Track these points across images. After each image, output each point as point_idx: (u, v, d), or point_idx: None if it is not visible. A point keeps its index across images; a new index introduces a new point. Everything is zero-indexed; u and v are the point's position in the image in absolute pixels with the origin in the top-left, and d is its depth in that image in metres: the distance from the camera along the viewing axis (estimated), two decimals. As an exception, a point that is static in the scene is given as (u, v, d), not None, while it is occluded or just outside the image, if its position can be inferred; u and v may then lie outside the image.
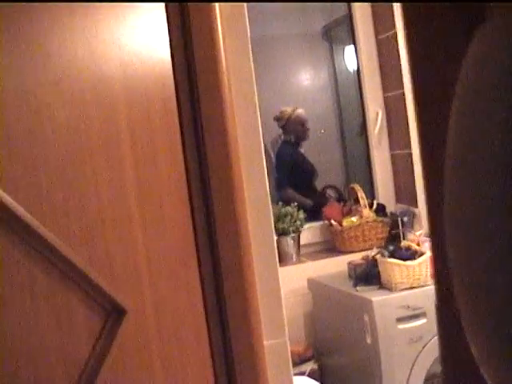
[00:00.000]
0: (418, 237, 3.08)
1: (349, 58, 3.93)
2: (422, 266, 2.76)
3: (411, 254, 2.78)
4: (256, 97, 1.51)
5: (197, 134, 1.32)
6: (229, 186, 1.32)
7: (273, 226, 1.49)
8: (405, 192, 3.69)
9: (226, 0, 1.39)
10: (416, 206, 3.56)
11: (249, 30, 1.49)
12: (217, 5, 1.34)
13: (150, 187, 1.27)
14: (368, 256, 3.15)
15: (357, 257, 3.25)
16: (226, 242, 1.31)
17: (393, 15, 3.47)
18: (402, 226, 3.50)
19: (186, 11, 1.31)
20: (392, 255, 2.79)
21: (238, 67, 1.45)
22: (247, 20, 1.50)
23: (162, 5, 1.30)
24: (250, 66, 1.48)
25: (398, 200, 3.74)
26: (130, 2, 1.28)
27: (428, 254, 2.78)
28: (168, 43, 1.31)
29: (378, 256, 2.85)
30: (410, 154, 3.56)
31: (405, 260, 2.76)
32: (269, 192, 1.50)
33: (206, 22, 1.32)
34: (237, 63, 1.44)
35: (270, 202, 1.50)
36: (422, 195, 3.55)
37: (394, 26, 3.49)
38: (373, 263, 2.96)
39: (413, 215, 3.56)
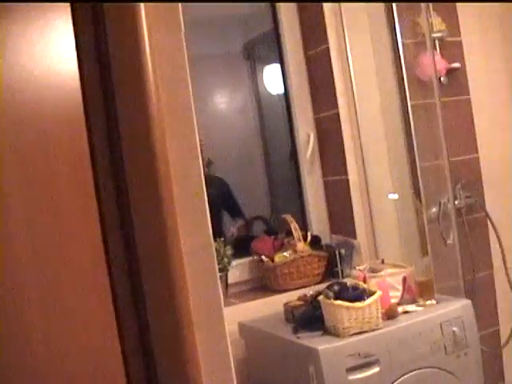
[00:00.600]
0: (363, 272, 2.75)
1: (274, 76, 3.59)
2: (373, 307, 2.42)
3: (360, 294, 2.43)
4: (194, 116, 1.16)
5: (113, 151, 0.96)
6: (159, 220, 1.01)
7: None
8: (341, 222, 3.37)
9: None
10: (354, 237, 3.25)
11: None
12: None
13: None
14: (306, 295, 2.79)
15: (292, 296, 2.88)
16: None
17: (324, 28, 3.17)
18: (341, 260, 3.18)
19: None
20: (338, 296, 2.44)
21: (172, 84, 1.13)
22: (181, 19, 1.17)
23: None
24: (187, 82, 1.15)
25: (334, 231, 3.41)
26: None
27: (378, 292, 2.45)
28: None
29: (322, 297, 2.49)
30: (346, 180, 3.25)
31: (353, 301, 2.41)
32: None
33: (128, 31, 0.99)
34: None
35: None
36: (362, 224, 3.27)
37: (325, 40, 3.19)
38: (313, 304, 2.60)
39: (351, 247, 3.24)
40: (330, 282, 2.57)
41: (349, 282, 2.52)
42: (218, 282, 1.25)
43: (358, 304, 2.40)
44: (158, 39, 1.10)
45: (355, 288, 2.46)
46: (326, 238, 3.36)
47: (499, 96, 3.48)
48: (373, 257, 3.19)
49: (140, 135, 1.02)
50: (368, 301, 2.41)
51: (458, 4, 3.38)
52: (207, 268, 1.22)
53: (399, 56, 2.99)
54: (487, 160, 3.41)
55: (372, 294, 2.45)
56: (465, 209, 3.25)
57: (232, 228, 3.51)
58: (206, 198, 1.21)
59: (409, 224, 3.22)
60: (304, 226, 3.38)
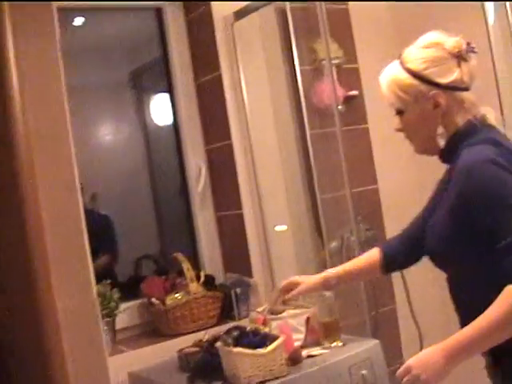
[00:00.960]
0: (263, 314, 2.54)
1: (162, 106, 3.36)
2: (276, 354, 2.21)
3: (261, 340, 2.22)
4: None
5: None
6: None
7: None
8: (236, 259, 3.17)
9: None
10: (250, 276, 3.05)
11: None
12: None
13: None
14: (201, 341, 2.56)
15: (187, 341, 2.64)
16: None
17: (216, 55, 2.99)
18: (237, 301, 2.97)
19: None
20: (237, 342, 2.22)
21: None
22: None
23: None
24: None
25: (228, 269, 3.20)
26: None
27: (281, 337, 2.25)
28: None
29: (220, 344, 2.26)
30: (241, 215, 3.05)
31: (254, 348, 2.19)
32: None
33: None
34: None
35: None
36: (258, 262, 3.07)
37: (217, 67, 3.01)
38: (210, 351, 2.37)
39: (247, 286, 3.04)
40: (229, 327, 2.34)
41: (249, 326, 2.30)
42: (101, 331, 1.06)
43: (260, 351, 2.19)
44: (29, 65, 0.97)
45: (256, 333, 2.24)
46: (220, 277, 3.15)
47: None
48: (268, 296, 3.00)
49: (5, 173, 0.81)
50: (270, 347, 2.20)
51: (354, 30, 3.30)
52: (87, 317, 1.02)
53: (297, 83, 2.84)
54: (386, 191, 3.32)
55: (274, 338, 2.24)
56: (365, 242, 3.11)
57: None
58: (85, 240, 1.02)
59: (309, 260, 3.06)
60: (196, 265, 3.15)
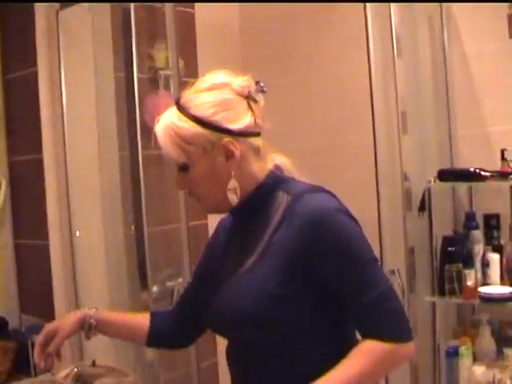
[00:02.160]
0: (66, 381, 2.02)
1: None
2: None
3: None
4: None
5: None
6: None
7: None
8: (36, 299, 2.64)
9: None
10: (51, 318, 2.51)
11: None
12: None
13: None
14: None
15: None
16: None
17: (34, 47, 2.46)
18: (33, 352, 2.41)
19: None
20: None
21: None
22: None
23: None
24: None
25: (24, 310, 2.65)
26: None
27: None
28: None
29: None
30: (46, 246, 2.57)
31: None
32: None
33: None
34: None
35: None
36: (63, 304, 2.56)
37: (33, 62, 2.48)
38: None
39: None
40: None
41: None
42: None
43: None
44: None
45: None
46: (14, 320, 2.60)
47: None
48: (76, 348, 2.50)
49: None
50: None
51: (198, 43, 2.92)
52: None
53: (129, 92, 2.34)
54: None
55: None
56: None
57: None
58: None
59: (125, 307, 2.57)
60: (-16, 304, 2.57)
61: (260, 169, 1.51)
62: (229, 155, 1.46)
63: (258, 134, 1.49)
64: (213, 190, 1.50)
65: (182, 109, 1.46)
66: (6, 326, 2.53)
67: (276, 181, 1.52)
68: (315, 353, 1.46)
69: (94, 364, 2.18)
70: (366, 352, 1.39)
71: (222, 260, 1.59)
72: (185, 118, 1.44)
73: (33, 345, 2.42)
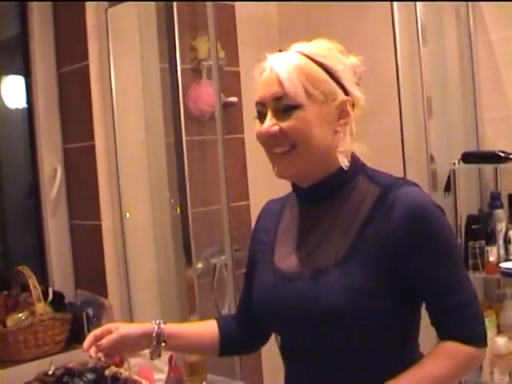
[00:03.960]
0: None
1: (17, 91, 2.90)
2: (136, 402, 1.90)
3: (121, 386, 1.91)
4: None
5: None
6: None
7: None
8: (90, 275, 2.81)
9: None
10: (105, 296, 2.70)
11: None
12: None
13: None
14: (46, 374, 2.22)
15: (28, 370, 2.30)
16: None
17: (85, 43, 2.62)
18: (88, 324, 2.63)
19: None
20: (92, 387, 1.89)
21: None
22: None
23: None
24: None
25: (80, 285, 2.84)
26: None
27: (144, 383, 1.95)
28: None
29: (70, 388, 1.92)
30: (99, 226, 2.72)
31: (112, 395, 1.88)
32: None
33: None
34: None
35: None
36: (114, 280, 2.73)
37: (85, 57, 2.64)
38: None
39: (100, 307, 2.69)
40: (84, 368, 2.00)
41: (108, 371, 1.97)
42: None
43: (118, 399, 1.87)
44: None
45: (115, 379, 1.92)
46: (69, 295, 2.78)
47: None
48: (126, 321, 2.68)
49: None
50: (130, 394, 1.89)
51: (239, 34, 3.05)
52: None
53: (174, 83, 2.48)
54: (257, 208, 3.07)
55: (136, 384, 1.93)
56: (234, 263, 2.85)
57: None
58: None
59: (171, 282, 2.74)
60: (44, 279, 2.76)
61: (347, 150, 1.41)
62: (343, 114, 1.39)
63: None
64: (315, 139, 1.37)
65: (309, 55, 1.39)
66: (63, 300, 2.68)
67: (358, 167, 1.44)
68: (388, 355, 1.39)
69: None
70: (449, 353, 1.35)
71: (285, 249, 1.47)
72: (313, 64, 1.37)
73: (87, 316, 2.65)
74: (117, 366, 2.04)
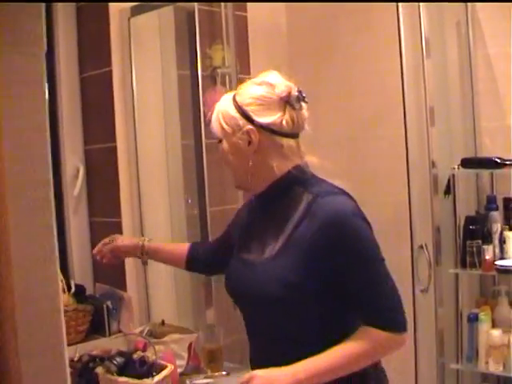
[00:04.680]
0: (143, 337, 2.38)
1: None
2: (163, 384, 2.06)
3: (148, 369, 2.07)
4: None
5: None
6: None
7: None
8: (108, 269, 2.94)
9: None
10: (124, 289, 2.85)
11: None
12: None
13: None
14: (72, 360, 2.34)
15: (51, 359, 2.40)
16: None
17: (109, 49, 2.77)
18: (108, 315, 2.77)
19: None
20: (122, 371, 2.05)
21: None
22: None
23: None
24: None
25: (98, 279, 2.98)
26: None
27: (170, 366, 2.11)
28: None
29: (101, 370, 2.08)
30: (118, 223, 2.85)
31: (140, 378, 2.03)
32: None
33: None
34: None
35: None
36: (133, 274, 2.88)
37: (108, 63, 2.79)
38: (85, 375, 2.18)
39: (119, 300, 2.84)
40: (113, 353, 2.15)
41: (136, 354, 2.13)
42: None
43: (147, 381, 2.03)
44: None
45: (143, 362, 2.08)
46: (89, 288, 2.92)
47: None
48: (144, 313, 2.83)
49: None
50: (157, 377, 2.05)
51: (250, 43, 3.20)
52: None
53: (193, 89, 2.64)
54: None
55: (161, 368, 2.09)
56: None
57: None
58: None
59: (187, 279, 2.89)
60: (65, 273, 2.90)
61: (280, 165, 1.70)
62: (249, 141, 1.69)
63: (284, 135, 1.69)
64: (236, 166, 1.75)
65: (234, 94, 1.74)
66: (85, 292, 2.80)
67: (294, 179, 1.71)
68: (316, 330, 1.67)
69: (163, 323, 2.56)
70: (367, 338, 1.61)
71: (245, 240, 1.82)
72: (231, 102, 1.72)
73: (107, 308, 2.79)
74: (143, 352, 2.19)
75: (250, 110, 1.69)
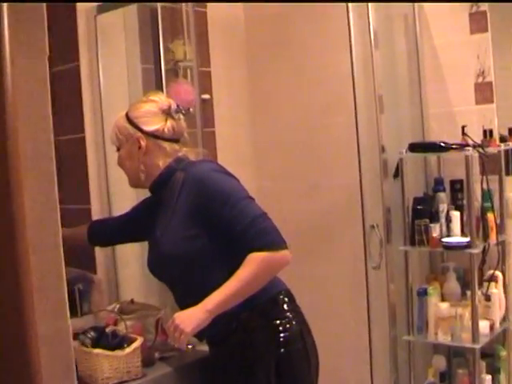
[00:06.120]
0: (114, 313, 2.54)
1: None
2: (134, 355, 2.22)
3: (120, 342, 2.23)
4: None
5: None
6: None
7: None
8: (78, 254, 3.08)
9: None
10: (94, 272, 3.00)
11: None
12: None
13: None
14: (46, 339, 2.49)
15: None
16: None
17: (77, 46, 2.90)
18: (80, 297, 2.91)
19: None
20: (96, 343, 2.21)
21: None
22: None
23: None
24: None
25: (69, 263, 3.10)
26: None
27: (140, 339, 2.27)
28: None
29: (77, 345, 2.23)
30: (88, 210, 2.99)
31: (112, 349, 2.20)
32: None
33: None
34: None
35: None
36: (102, 257, 3.02)
37: (76, 58, 2.92)
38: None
39: (90, 282, 2.98)
40: (86, 328, 2.31)
41: (109, 328, 2.29)
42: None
43: (118, 352, 2.19)
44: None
45: (115, 335, 2.24)
46: (61, 272, 3.04)
47: (241, 130, 3.51)
48: (114, 294, 2.98)
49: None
50: (129, 348, 2.21)
51: (210, 38, 3.35)
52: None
53: (161, 81, 2.80)
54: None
55: (132, 340, 2.26)
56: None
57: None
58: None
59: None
60: (37, 258, 3.03)
61: (164, 162, 2.14)
62: (139, 146, 2.12)
63: (168, 140, 2.14)
64: (130, 168, 2.18)
65: (127, 112, 2.17)
66: None
67: (172, 168, 2.12)
68: (217, 271, 2.02)
69: (132, 302, 2.71)
70: (249, 261, 1.93)
71: (150, 227, 2.18)
72: (124, 116, 2.16)
73: (79, 292, 2.92)
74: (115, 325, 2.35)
75: (138, 121, 2.14)
